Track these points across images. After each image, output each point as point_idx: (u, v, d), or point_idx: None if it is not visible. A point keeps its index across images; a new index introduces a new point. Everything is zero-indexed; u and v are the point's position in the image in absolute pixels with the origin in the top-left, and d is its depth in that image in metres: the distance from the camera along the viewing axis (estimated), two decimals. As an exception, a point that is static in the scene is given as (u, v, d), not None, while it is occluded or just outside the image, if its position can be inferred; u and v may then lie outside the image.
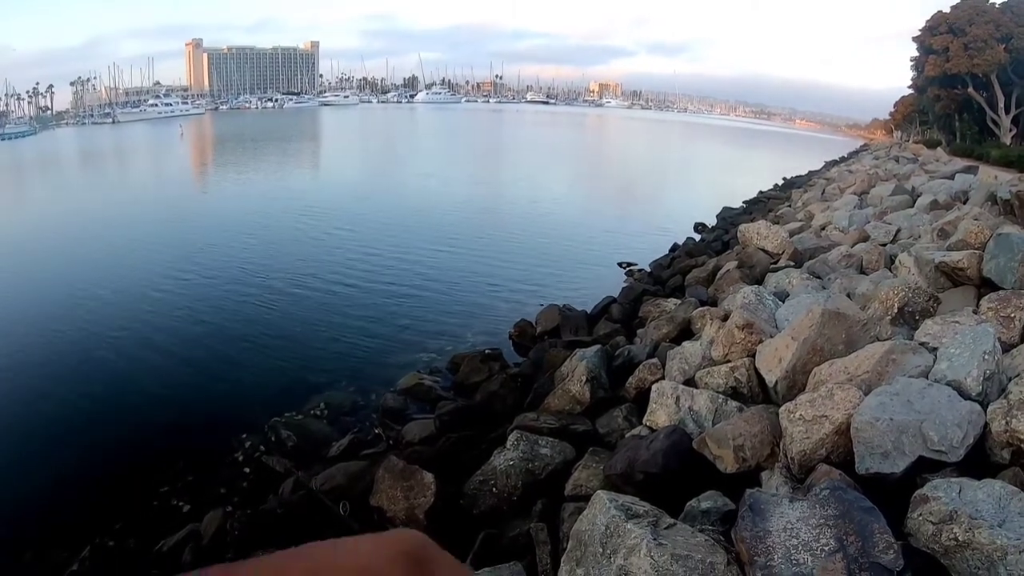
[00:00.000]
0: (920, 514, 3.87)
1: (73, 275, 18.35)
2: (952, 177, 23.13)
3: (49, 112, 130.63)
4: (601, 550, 4.08)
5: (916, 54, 55.99)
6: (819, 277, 11.55)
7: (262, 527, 7.10)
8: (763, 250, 14.54)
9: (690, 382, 7.77)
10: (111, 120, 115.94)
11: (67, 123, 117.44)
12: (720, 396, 6.97)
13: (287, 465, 9.05)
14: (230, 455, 9.46)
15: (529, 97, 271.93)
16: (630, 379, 8.70)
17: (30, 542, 7.60)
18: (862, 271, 11.95)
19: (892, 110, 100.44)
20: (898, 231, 14.85)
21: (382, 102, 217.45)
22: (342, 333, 14.21)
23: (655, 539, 3.88)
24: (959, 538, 3.62)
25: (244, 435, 9.86)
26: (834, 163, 61.02)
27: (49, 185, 42.80)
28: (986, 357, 5.22)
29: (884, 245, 13.58)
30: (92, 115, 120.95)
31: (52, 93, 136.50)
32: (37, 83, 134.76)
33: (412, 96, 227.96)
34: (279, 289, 17.16)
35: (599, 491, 4.69)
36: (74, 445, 9.65)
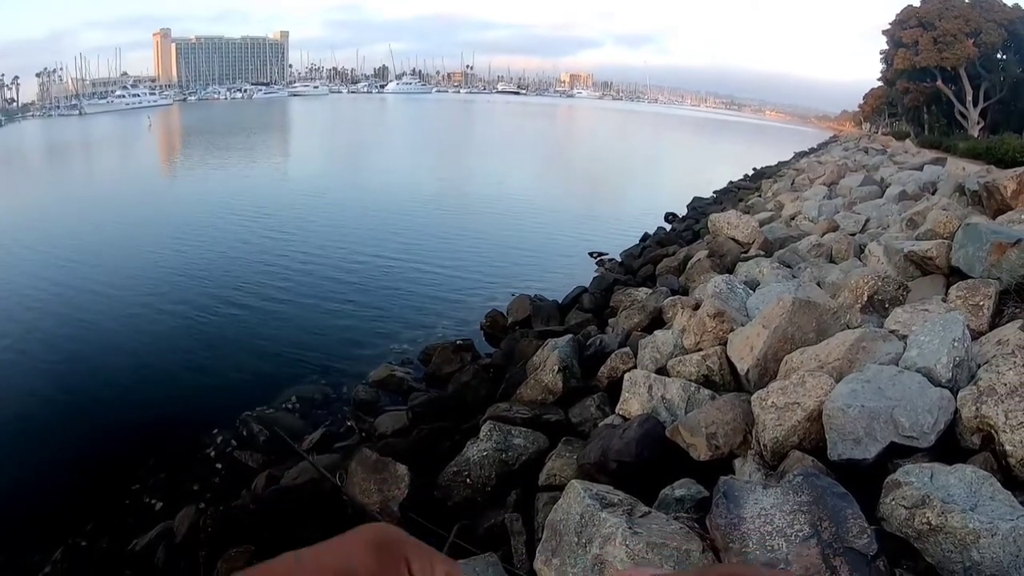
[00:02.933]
0: (893, 499, 3.89)
1: (33, 271, 18.04)
2: (921, 168, 23.34)
3: (15, 104, 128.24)
4: (576, 539, 4.07)
5: (886, 47, 56.76)
6: (789, 266, 11.62)
7: (235, 523, 7.02)
8: (733, 239, 14.61)
9: (662, 371, 7.79)
10: (78, 112, 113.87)
11: (33, 115, 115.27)
12: (692, 384, 6.99)
13: (259, 460, 8.98)
14: (201, 451, 9.36)
15: (500, 88, 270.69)
16: (602, 368, 8.70)
17: (0, 543, 7.47)
18: (832, 260, 12.05)
19: (861, 102, 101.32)
20: (867, 221, 14.98)
21: (352, 92, 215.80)
22: (313, 326, 14.11)
23: (630, 527, 3.87)
24: (932, 522, 3.65)
25: (215, 431, 9.76)
26: (804, 154, 61.30)
27: (14, 179, 42.13)
28: (955, 344, 5.27)
29: (853, 235, 13.71)
30: (59, 107, 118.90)
31: (18, 85, 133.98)
32: (2, 74, 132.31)
33: (382, 87, 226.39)
34: (248, 282, 16.99)
35: (573, 480, 4.67)
36: (42, 445, 9.49)
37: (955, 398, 4.82)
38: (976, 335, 6.24)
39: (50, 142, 69.07)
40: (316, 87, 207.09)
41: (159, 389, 11.25)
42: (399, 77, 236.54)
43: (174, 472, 8.79)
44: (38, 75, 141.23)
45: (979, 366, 5.11)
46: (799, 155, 60.18)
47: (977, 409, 4.55)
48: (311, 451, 8.88)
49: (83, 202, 30.44)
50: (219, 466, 9.04)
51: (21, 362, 12.20)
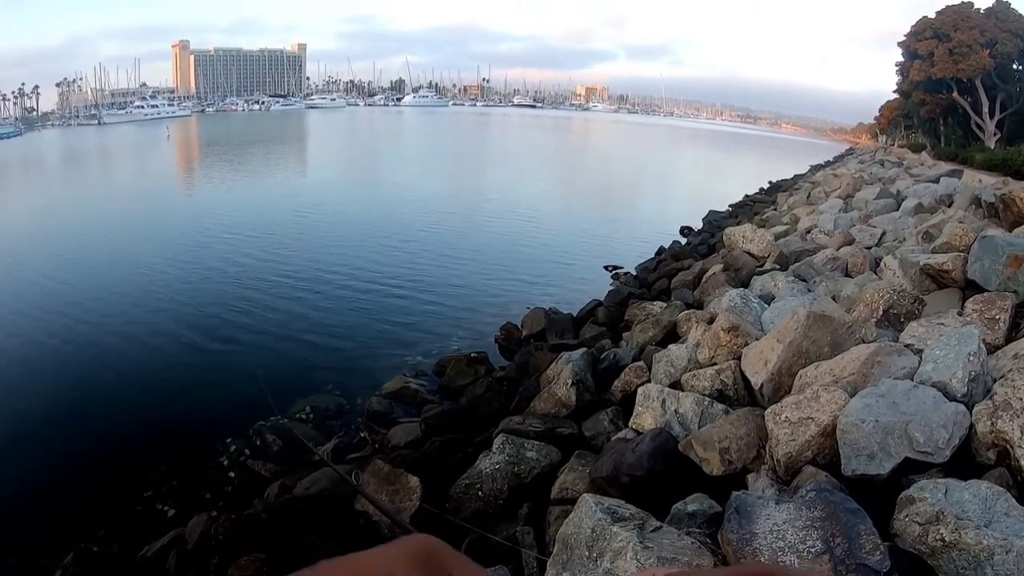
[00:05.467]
0: (906, 515, 3.86)
1: (50, 278, 18.20)
2: (937, 181, 23.26)
3: (35, 113, 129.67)
4: (587, 553, 4.06)
5: (901, 59, 56.32)
6: (804, 280, 11.56)
7: (247, 531, 7.04)
8: (749, 253, 14.58)
9: (676, 385, 7.76)
10: (97, 121, 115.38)
11: (53, 124, 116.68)
12: (706, 399, 6.97)
13: (272, 469, 9.00)
14: (215, 459, 9.40)
15: (516, 101, 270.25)
16: (616, 382, 8.69)
17: (13, 548, 7.51)
18: (847, 274, 11.98)
19: (877, 114, 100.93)
20: (883, 234, 14.91)
21: (369, 105, 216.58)
22: (327, 337, 14.14)
23: (641, 542, 3.86)
24: (946, 539, 3.61)
25: (229, 439, 9.80)
26: (819, 167, 61.23)
27: (31, 187, 42.50)
28: (971, 358, 5.22)
29: (869, 248, 13.64)
30: (78, 116, 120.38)
31: (38, 94, 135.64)
32: (23, 84, 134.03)
33: (399, 99, 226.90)
34: (263, 292, 17.06)
35: (585, 494, 4.66)
36: (57, 450, 9.56)
37: (970, 413, 4.78)
38: (992, 349, 6.19)
39: (69, 151, 69.82)
40: (333, 99, 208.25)
41: (173, 397, 11.31)
42: (416, 90, 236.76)
43: (187, 480, 8.83)
44: (58, 85, 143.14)
45: (995, 380, 5.07)
46: (815, 168, 60.09)
47: (992, 424, 4.51)
48: (324, 460, 8.89)
49: (103, 214, 30.65)
50: (232, 474, 9.08)
51: (36, 370, 12.29)
